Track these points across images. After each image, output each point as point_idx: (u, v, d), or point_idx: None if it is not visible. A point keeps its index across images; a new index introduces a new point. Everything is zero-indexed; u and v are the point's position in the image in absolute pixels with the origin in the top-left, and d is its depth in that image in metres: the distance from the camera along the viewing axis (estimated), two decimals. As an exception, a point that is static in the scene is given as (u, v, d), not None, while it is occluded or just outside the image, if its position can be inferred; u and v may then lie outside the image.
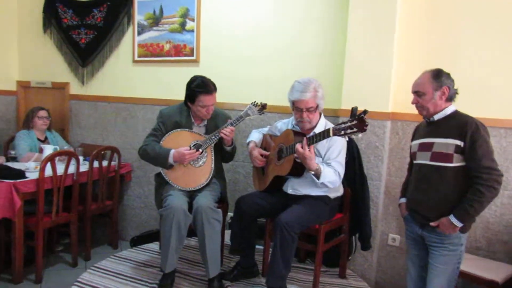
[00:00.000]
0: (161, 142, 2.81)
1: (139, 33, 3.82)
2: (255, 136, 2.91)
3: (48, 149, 3.32)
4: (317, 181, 2.46)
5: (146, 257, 3.22)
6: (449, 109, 2.12)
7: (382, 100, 2.88)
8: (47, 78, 4.25)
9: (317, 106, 2.53)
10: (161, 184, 2.87)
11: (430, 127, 2.17)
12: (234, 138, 2.96)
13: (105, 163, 3.53)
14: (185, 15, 3.61)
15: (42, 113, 3.65)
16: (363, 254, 3.04)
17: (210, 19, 3.54)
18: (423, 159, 2.16)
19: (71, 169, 3.19)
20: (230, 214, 3.01)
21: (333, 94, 3.07)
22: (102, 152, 3.50)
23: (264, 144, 2.88)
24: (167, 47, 3.72)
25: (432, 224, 2.09)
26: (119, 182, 3.76)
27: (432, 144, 2.11)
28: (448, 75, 2.13)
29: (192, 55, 3.61)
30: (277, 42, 3.33)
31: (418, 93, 2.14)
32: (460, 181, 2.05)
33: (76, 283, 2.78)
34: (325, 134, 2.31)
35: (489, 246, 2.79)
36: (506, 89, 2.69)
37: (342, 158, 2.57)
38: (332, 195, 2.64)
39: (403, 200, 2.38)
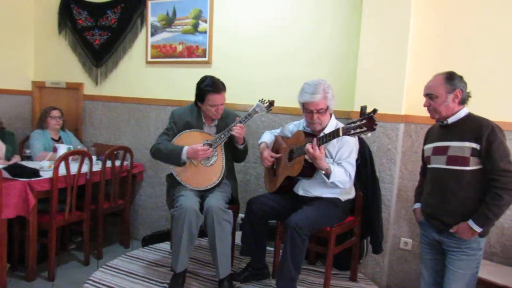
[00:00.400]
0: (172, 142, 2.82)
1: (152, 34, 3.85)
2: (267, 137, 2.91)
3: (62, 149, 3.37)
4: (327, 180, 2.45)
5: (157, 257, 3.23)
6: (463, 112, 2.09)
7: (395, 102, 2.85)
8: (61, 78, 4.32)
9: (327, 107, 2.52)
10: (173, 184, 2.88)
11: (444, 130, 2.14)
12: (246, 139, 2.96)
13: (117, 163, 3.57)
14: (198, 16, 3.62)
15: (55, 113, 3.70)
16: (375, 258, 3.01)
17: (223, 21, 3.55)
18: (438, 163, 2.13)
19: (84, 168, 3.22)
20: (241, 215, 3.01)
21: (346, 96, 3.06)
22: (115, 152, 3.53)
23: (275, 145, 2.88)
24: (179, 48, 3.74)
25: (451, 230, 2.06)
26: (131, 181, 3.79)
27: (447, 147, 2.08)
28: (461, 78, 2.10)
29: (205, 56, 3.63)
30: (290, 44, 3.32)
31: (430, 96, 2.11)
32: (477, 184, 2.02)
33: (88, 281, 2.81)
34: (335, 134, 2.30)
35: (504, 252, 2.74)
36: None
37: (353, 159, 2.56)
38: (344, 197, 2.62)
39: (417, 205, 2.34)
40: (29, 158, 3.44)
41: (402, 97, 2.84)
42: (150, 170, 3.95)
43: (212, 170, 2.79)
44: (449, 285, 2.10)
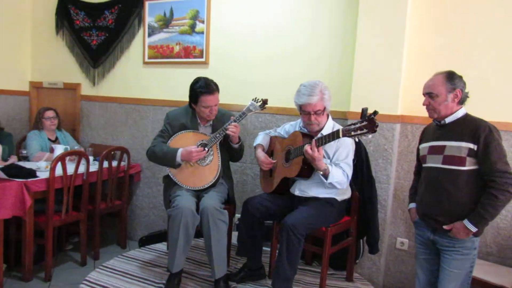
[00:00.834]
0: (168, 143, 2.83)
1: (149, 35, 3.85)
2: (261, 139, 2.90)
3: (59, 149, 3.36)
4: (325, 181, 2.45)
5: (153, 257, 3.24)
6: (460, 112, 2.10)
7: (392, 103, 2.86)
8: (59, 79, 4.32)
9: (325, 108, 2.52)
10: (169, 185, 2.89)
11: (441, 130, 2.14)
12: (243, 139, 2.97)
13: (114, 163, 3.57)
14: (195, 17, 3.63)
15: (49, 113, 3.69)
16: (371, 258, 3.01)
17: (220, 22, 3.56)
18: (434, 163, 2.13)
19: (81, 168, 3.22)
20: (238, 215, 3.02)
21: (342, 96, 3.06)
22: (112, 152, 3.53)
23: (272, 146, 2.88)
24: (177, 48, 3.75)
25: (445, 227, 2.07)
26: (128, 182, 3.79)
27: (443, 147, 2.09)
28: (460, 77, 2.10)
29: (202, 57, 3.63)
30: (286, 44, 3.33)
31: (430, 94, 2.11)
32: (473, 184, 2.03)
33: (85, 282, 2.81)
34: (334, 135, 2.30)
35: (500, 252, 2.74)
36: (517, 92, 2.66)
37: (350, 159, 2.56)
38: (340, 197, 2.62)
39: (412, 205, 2.34)
40: (26, 158, 3.44)
41: (399, 97, 2.85)
42: (147, 170, 3.95)
43: (208, 170, 2.79)
44: (443, 284, 2.10)
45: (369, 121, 2.13)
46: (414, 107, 2.84)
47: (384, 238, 3.00)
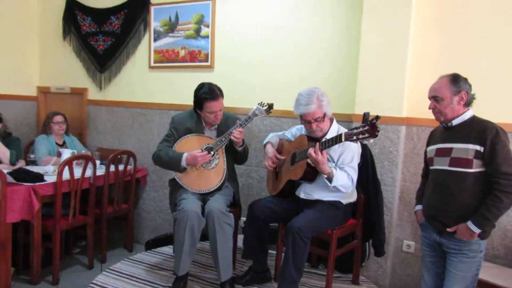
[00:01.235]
0: (173, 147, 2.85)
1: (155, 40, 3.88)
2: (272, 138, 2.91)
3: (66, 153, 3.39)
4: (329, 184, 2.45)
5: (159, 260, 3.25)
6: (467, 114, 2.09)
7: (396, 105, 2.85)
8: (66, 83, 4.37)
9: (325, 114, 2.52)
10: (175, 188, 2.90)
11: (448, 132, 2.14)
12: (248, 142, 2.98)
13: (121, 167, 3.60)
14: (200, 21, 3.66)
15: (58, 118, 3.73)
16: (377, 261, 3.00)
17: (225, 26, 3.58)
18: (441, 165, 2.13)
19: (88, 172, 3.25)
20: (244, 218, 3.03)
21: (347, 99, 3.07)
22: (119, 156, 3.56)
23: (279, 148, 2.89)
24: (182, 53, 3.77)
25: (449, 229, 2.06)
26: (134, 186, 3.82)
27: (450, 149, 2.08)
28: (465, 80, 2.10)
29: (207, 61, 3.66)
30: (291, 48, 3.34)
31: (435, 98, 2.11)
32: (480, 186, 2.02)
33: (92, 285, 2.83)
34: (337, 139, 2.31)
35: (508, 254, 2.72)
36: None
37: (355, 163, 2.56)
38: (345, 200, 2.62)
39: (419, 207, 2.34)
40: (33, 162, 3.48)
41: (403, 99, 2.84)
42: (153, 174, 3.98)
43: (214, 173, 2.80)
44: (449, 287, 2.09)
45: (371, 126, 2.13)
46: (419, 109, 2.83)
47: (390, 240, 2.99)
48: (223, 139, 2.78)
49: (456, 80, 2.08)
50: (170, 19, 3.79)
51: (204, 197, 2.79)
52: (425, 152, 2.34)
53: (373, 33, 2.88)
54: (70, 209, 3.13)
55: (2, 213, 2.64)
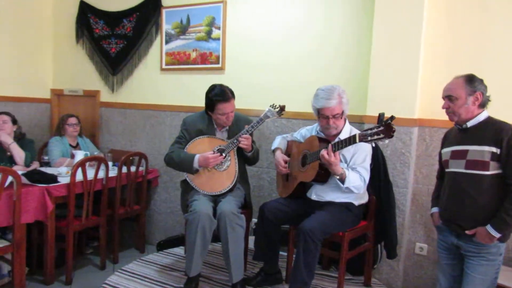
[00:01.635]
0: (185, 149, 2.86)
1: (166, 42, 3.91)
2: (279, 142, 2.91)
3: (79, 155, 3.43)
4: (342, 185, 2.44)
5: (171, 261, 3.27)
6: (482, 115, 2.07)
7: (409, 106, 2.83)
8: (79, 86, 4.42)
9: (343, 112, 2.52)
10: (187, 190, 2.92)
11: (463, 134, 2.11)
12: (259, 144, 2.98)
13: (133, 168, 3.62)
14: (211, 23, 3.67)
15: (72, 120, 3.78)
16: (389, 263, 2.98)
17: (236, 28, 3.59)
18: (457, 167, 2.10)
19: (101, 174, 3.28)
20: (255, 220, 3.03)
21: (358, 100, 3.05)
22: (131, 158, 3.59)
23: (288, 150, 2.89)
24: (193, 55, 3.79)
25: (468, 232, 2.04)
26: (146, 187, 3.84)
27: (466, 151, 2.06)
28: (481, 80, 2.07)
29: (218, 63, 3.67)
30: (302, 49, 3.33)
31: (450, 97, 2.09)
32: (497, 189, 1.99)
33: (104, 285, 2.86)
34: (351, 140, 2.30)
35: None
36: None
37: (368, 164, 2.55)
38: (357, 202, 2.61)
39: (435, 209, 2.31)
40: (47, 164, 3.52)
41: (416, 100, 2.82)
42: (165, 175, 4.00)
43: (225, 175, 2.81)
44: None
45: (386, 127, 2.12)
46: (432, 110, 2.81)
47: (403, 243, 2.96)
48: (235, 141, 2.79)
49: (471, 81, 2.05)
50: (181, 21, 3.82)
51: (215, 199, 2.80)
52: (440, 154, 2.31)
53: (384, 34, 2.86)
54: (83, 210, 3.16)
55: (16, 214, 2.68)
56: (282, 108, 2.85)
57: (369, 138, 2.19)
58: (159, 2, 3.90)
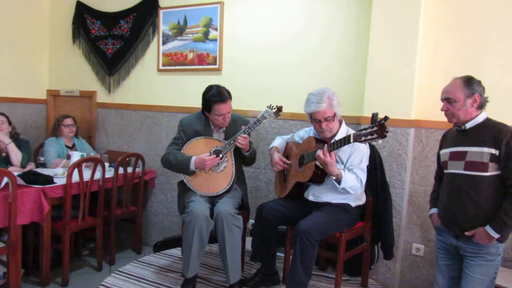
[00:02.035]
0: (182, 150, 2.86)
1: (163, 43, 3.91)
2: (278, 142, 2.93)
3: (76, 156, 3.42)
4: (338, 186, 2.45)
5: (168, 262, 3.26)
6: (481, 117, 2.07)
7: (405, 107, 2.84)
8: (75, 87, 4.41)
9: (335, 114, 2.52)
10: (184, 191, 2.92)
11: (462, 135, 2.12)
12: (256, 145, 2.98)
13: (129, 169, 3.61)
14: (208, 24, 3.67)
15: (68, 121, 3.77)
16: (386, 264, 2.99)
17: (233, 29, 3.59)
18: (456, 169, 2.11)
19: (97, 175, 3.27)
20: (252, 220, 3.03)
21: (355, 101, 3.06)
22: (127, 159, 3.58)
23: (287, 151, 2.89)
24: (190, 56, 3.79)
25: (467, 233, 2.05)
26: (143, 188, 3.83)
27: (465, 153, 2.06)
28: (479, 82, 2.08)
29: (215, 64, 3.67)
30: (300, 51, 3.34)
31: (448, 100, 2.09)
32: (496, 190, 2.01)
33: (100, 287, 2.85)
34: (346, 140, 2.31)
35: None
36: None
37: (364, 165, 2.56)
38: (354, 203, 2.61)
39: (434, 210, 2.32)
40: (43, 165, 3.50)
41: (412, 102, 2.83)
42: (162, 176, 3.99)
43: (222, 176, 2.81)
44: None
45: (379, 126, 2.13)
46: (428, 111, 2.82)
47: (399, 243, 2.97)
48: (232, 142, 2.79)
49: (469, 83, 2.06)
50: (178, 22, 3.82)
51: (212, 200, 2.80)
52: (438, 155, 2.32)
53: (382, 37, 2.88)
54: (79, 211, 3.15)
55: (12, 215, 2.66)
56: (279, 109, 2.85)
57: (363, 138, 2.20)
58: (156, 3, 3.89)
